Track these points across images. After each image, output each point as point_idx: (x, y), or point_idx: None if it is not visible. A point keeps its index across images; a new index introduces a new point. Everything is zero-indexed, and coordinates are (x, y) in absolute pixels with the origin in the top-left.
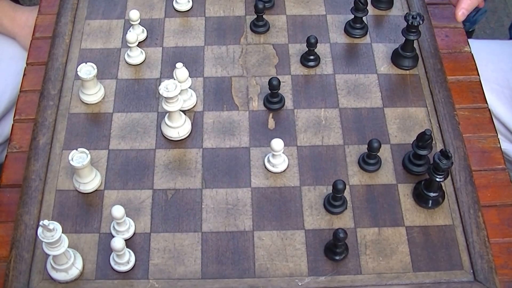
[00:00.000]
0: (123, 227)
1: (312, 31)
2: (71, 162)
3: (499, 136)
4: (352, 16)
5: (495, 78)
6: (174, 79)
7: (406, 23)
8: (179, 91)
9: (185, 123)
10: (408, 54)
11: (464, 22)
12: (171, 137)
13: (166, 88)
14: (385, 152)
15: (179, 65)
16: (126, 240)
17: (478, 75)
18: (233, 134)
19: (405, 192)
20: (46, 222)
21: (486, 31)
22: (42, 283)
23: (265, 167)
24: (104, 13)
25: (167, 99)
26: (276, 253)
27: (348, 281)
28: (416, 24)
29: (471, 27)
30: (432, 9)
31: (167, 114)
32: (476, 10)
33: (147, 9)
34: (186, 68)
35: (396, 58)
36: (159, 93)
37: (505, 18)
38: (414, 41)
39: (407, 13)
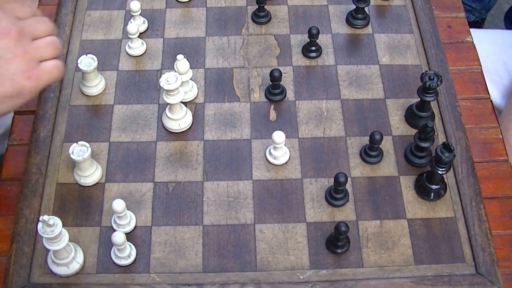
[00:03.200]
0: (124, 221)
1: (314, 22)
2: (71, 155)
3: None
4: (354, 7)
5: (496, 70)
6: (175, 71)
7: (422, 83)
8: (180, 83)
9: (186, 115)
10: (424, 114)
11: (480, 10)
12: (172, 129)
13: (167, 80)
14: (387, 144)
15: (180, 57)
16: (127, 234)
17: (480, 65)
18: (234, 126)
19: (407, 184)
20: (46, 217)
21: (488, 19)
22: (43, 277)
23: (267, 159)
24: (105, 4)
25: (167, 91)
26: (278, 246)
27: (349, 274)
28: (433, 87)
29: (486, 14)
30: None
31: (168, 106)
32: None
33: (148, 0)
34: (187, 59)
35: (410, 116)
36: (159, 85)
37: (505, 5)
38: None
39: (423, 73)
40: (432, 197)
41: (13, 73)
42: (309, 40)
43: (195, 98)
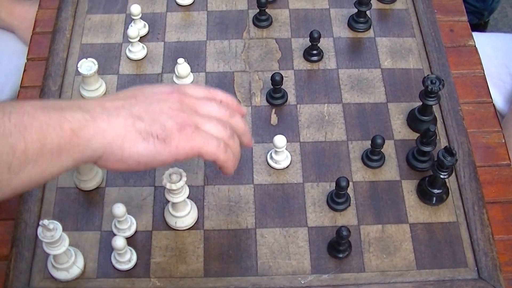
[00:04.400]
0: (124, 225)
1: (315, 25)
2: None
3: None
4: (356, 10)
5: (498, 74)
6: (176, 75)
7: (424, 87)
8: (185, 180)
9: (189, 214)
10: (426, 118)
11: (483, 11)
12: (169, 224)
13: (170, 178)
14: (388, 148)
15: (180, 60)
16: (128, 238)
17: (483, 69)
18: None
19: (409, 188)
20: (46, 221)
21: (490, 22)
22: (43, 282)
23: (268, 164)
24: (105, 8)
25: (171, 191)
26: (279, 250)
27: (351, 279)
28: (435, 90)
29: (489, 16)
30: (436, 2)
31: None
32: None
33: (149, 3)
34: (188, 63)
35: (412, 120)
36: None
37: (508, 9)
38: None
39: (425, 77)
40: (434, 202)
41: (165, 119)
42: (310, 44)
43: None
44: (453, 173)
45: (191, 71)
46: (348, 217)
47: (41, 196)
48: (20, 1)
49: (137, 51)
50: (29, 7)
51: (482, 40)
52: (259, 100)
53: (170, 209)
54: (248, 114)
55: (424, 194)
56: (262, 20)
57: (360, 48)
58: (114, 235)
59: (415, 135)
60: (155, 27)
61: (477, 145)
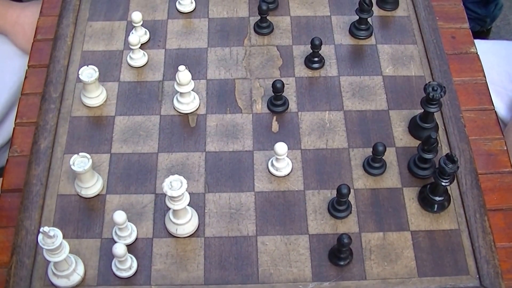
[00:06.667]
0: (125, 233)
1: (317, 32)
2: (72, 166)
3: None
4: (357, 17)
5: (501, 81)
6: (177, 83)
7: (425, 94)
8: (186, 187)
9: (190, 221)
10: (427, 125)
11: (485, 18)
12: (170, 231)
13: (171, 185)
14: (390, 155)
15: (181, 68)
16: (128, 246)
17: (484, 76)
18: (237, 137)
19: (410, 196)
20: (46, 228)
21: (493, 29)
22: None
23: (269, 171)
24: (106, 15)
25: (171, 198)
26: (280, 258)
27: (352, 286)
28: (437, 98)
29: (491, 23)
30: (438, 9)
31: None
32: (495, 4)
33: (150, 11)
34: (189, 70)
35: (414, 128)
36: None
37: (511, 16)
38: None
39: (426, 84)
40: (435, 209)
41: None
42: (311, 51)
43: (197, 109)
44: (455, 181)
45: (192, 78)
46: (349, 225)
47: (42, 203)
48: (11, 5)
49: (138, 58)
50: (20, 11)
51: (484, 47)
52: (260, 107)
53: (171, 216)
54: (249, 121)
55: (425, 202)
56: (263, 27)
57: (362, 55)
58: (115, 242)
59: (417, 142)
60: (156, 34)
61: (479, 152)
